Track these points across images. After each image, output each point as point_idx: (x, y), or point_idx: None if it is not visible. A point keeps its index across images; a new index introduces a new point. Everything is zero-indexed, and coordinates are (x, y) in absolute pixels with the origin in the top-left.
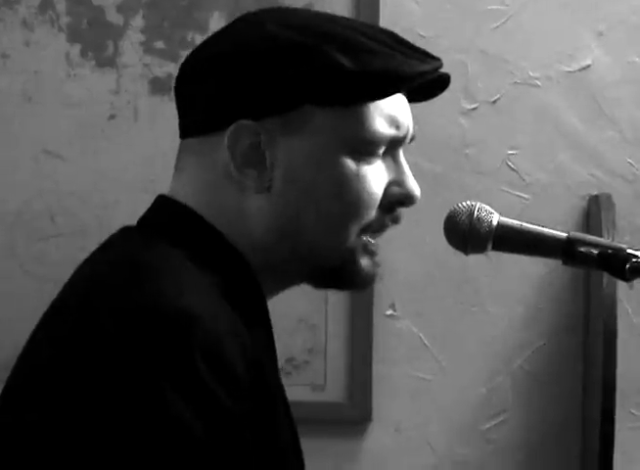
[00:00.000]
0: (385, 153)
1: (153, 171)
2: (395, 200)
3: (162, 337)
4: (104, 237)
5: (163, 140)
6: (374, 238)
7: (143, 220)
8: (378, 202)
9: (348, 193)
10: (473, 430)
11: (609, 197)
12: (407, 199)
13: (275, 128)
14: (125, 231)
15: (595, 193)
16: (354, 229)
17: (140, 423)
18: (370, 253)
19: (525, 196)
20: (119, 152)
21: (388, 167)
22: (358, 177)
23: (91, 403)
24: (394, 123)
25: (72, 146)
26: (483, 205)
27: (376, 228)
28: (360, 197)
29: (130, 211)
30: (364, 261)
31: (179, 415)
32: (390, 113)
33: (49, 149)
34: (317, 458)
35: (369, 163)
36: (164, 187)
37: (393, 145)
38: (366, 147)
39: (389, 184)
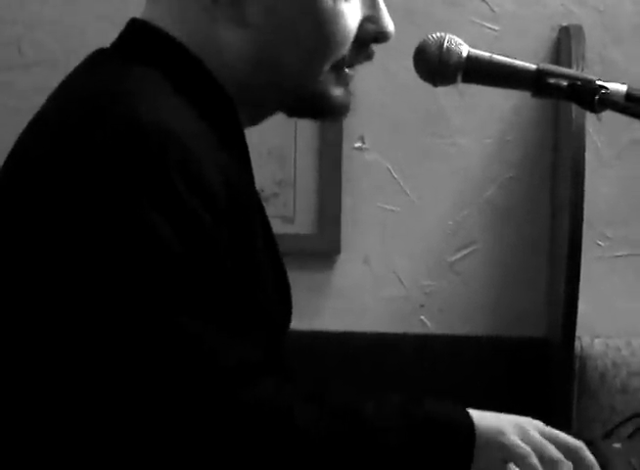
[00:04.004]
0: None
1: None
2: (369, 36)
3: (139, 152)
4: (72, 68)
5: None
6: (350, 69)
7: (117, 44)
8: (352, 38)
9: (325, 28)
10: (440, 262)
11: (579, 28)
12: (381, 35)
13: None
14: (101, 54)
15: (565, 24)
16: (327, 64)
17: (119, 238)
18: (343, 83)
19: (496, 27)
20: None
21: (363, 3)
22: (335, 13)
23: (72, 220)
24: None
25: None
26: (453, 36)
27: (348, 63)
28: (335, 33)
29: (99, 41)
30: (337, 92)
31: (156, 229)
32: None
33: None
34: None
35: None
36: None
37: None
38: None
39: (364, 20)
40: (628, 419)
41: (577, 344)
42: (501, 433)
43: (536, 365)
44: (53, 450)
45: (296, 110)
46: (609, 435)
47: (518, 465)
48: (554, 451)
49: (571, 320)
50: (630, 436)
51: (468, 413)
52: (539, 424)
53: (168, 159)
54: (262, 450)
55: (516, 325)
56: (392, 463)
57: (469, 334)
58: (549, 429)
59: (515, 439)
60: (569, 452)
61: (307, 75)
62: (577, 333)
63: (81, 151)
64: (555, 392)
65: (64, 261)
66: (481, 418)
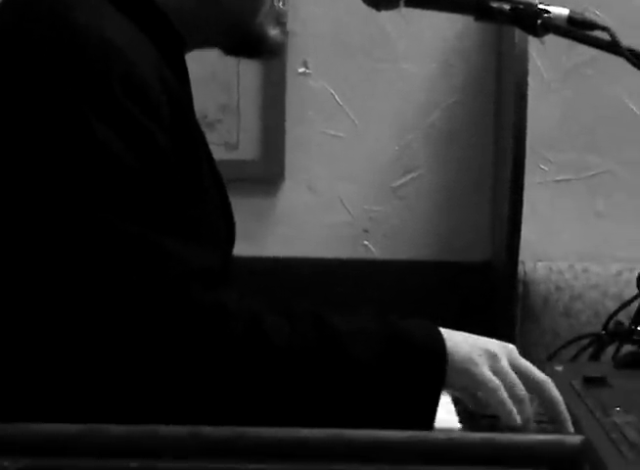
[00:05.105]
0: None
1: None
2: None
3: (81, 62)
4: None
5: None
6: (284, 5)
7: None
8: None
9: None
10: (385, 187)
11: None
12: None
13: None
14: None
15: None
16: None
17: (68, 149)
18: (280, 23)
19: None
20: None
21: None
22: None
23: (14, 129)
24: None
25: None
26: None
27: None
28: None
29: None
30: (273, 31)
31: (104, 139)
32: None
33: None
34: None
35: None
36: None
37: None
38: None
39: None
40: (570, 342)
41: (521, 268)
42: (473, 363)
43: (481, 290)
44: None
45: (233, 49)
46: (551, 358)
47: (486, 397)
48: (522, 389)
49: (514, 244)
50: (572, 359)
51: (442, 337)
52: (512, 352)
53: (110, 67)
54: (227, 355)
55: (460, 250)
56: (360, 378)
57: (413, 259)
58: (519, 359)
59: (485, 372)
60: (536, 386)
61: (248, 11)
62: (521, 257)
63: (23, 62)
64: (499, 316)
65: (11, 173)
66: (455, 344)
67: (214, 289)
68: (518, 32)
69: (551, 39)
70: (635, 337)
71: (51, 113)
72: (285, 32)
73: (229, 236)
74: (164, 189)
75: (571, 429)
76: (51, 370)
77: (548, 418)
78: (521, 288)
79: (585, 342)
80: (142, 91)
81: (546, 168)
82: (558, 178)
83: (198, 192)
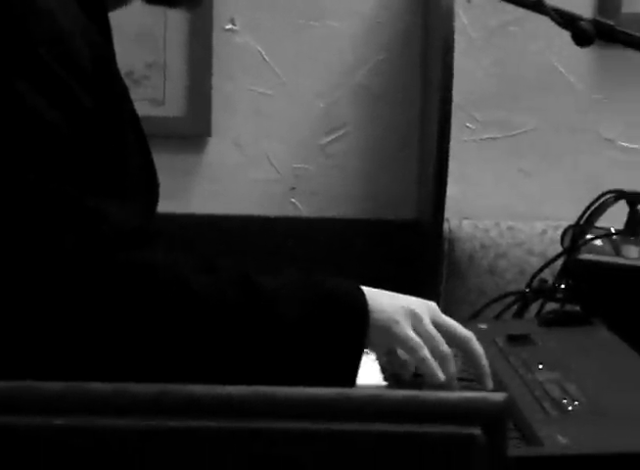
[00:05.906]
0: None
1: None
2: None
3: (9, 27)
4: None
5: None
6: None
7: None
8: None
9: None
10: (312, 144)
11: None
12: None
13: None
14: None
15: None
16: None
17: None
18: None
19: None
20: None
21: None
22: None
23: None
24: None
25: None
26: None
27: None
28: None
29: None
30: None
31: (29, 100)
32: None
33: None
34: (158, 174)
35: None
36: None
37: None
38: None
39: None
40: (495, 300)
41: (446, 225)
42: (395, 322)
43: (407, 247)
44: None
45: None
46: (476, 316)
47: (408, 356)
48: (444, 347)
49: (439, 202)
50: (497, 316)
51: (364, 296)
52: (434, 310)
53: (36, 36)
54: (154, 313)
55: (388, 207)
56: (283, 336)
57: (341, 217)
58: (441, 317)
59: (407, 332)
60: (459, 342)
61: None
62: (446, 215)
63: None
64: (424, 273)
65: None
66: (377, 303)
67: (141, 248)
68: None
69: None
70: (559, 295)
71: None
72: None
73: (152, 194)
74: (90, 149)
75: (491, 384)
76: None
77: (472, 375)
78: (446, 245)
79: (510, 300)
80: (68, 52)
81: (472, 126)
82: (484, 136)
83: (121, 151)
